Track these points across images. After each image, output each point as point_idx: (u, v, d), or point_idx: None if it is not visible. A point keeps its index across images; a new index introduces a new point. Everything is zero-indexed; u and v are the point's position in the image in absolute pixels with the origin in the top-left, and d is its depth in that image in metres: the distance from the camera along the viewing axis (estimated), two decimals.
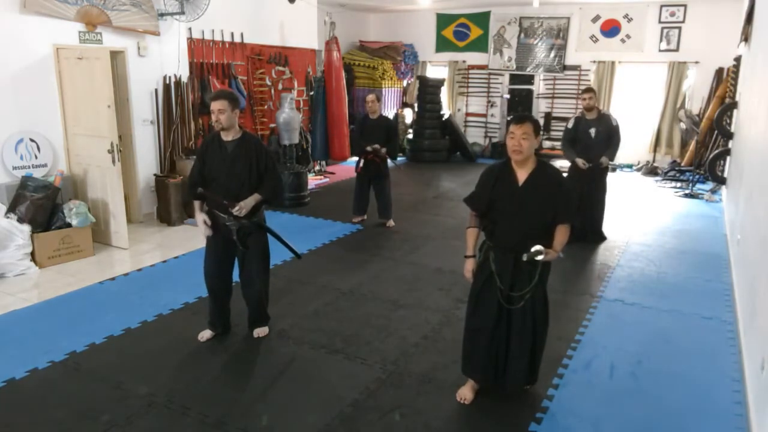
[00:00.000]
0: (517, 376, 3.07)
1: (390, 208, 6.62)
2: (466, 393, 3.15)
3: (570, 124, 5.98)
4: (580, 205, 5.83)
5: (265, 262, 3.83)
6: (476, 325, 3.10)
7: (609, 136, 5.81)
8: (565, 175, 6.01)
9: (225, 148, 3.56)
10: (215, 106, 3.46)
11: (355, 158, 6.63)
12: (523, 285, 2.94)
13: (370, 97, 6.40)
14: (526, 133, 2.83)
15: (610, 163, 5.94)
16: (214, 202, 3.58)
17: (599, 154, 5.77)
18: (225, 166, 3.53)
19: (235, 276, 3.86)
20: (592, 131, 5.79)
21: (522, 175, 2.92)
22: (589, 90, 5.86)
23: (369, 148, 6.24)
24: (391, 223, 6.63)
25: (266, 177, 3.61)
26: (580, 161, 5.79)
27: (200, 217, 3.61)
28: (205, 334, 3.82)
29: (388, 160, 6.50)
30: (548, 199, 2.91)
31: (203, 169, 3.62)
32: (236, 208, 3.49)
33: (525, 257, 2.83)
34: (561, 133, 11.09)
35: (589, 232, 6.01)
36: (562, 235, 2.95)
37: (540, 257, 2.83)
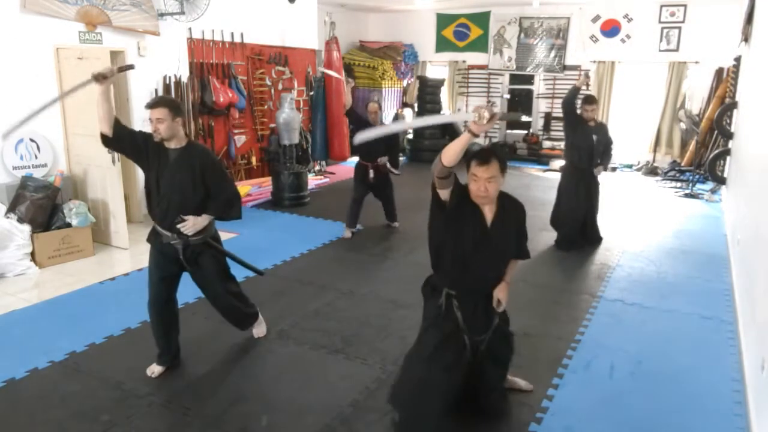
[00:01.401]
0: (497, 405, 3.00)
1: (395, 211, 6.60)
2: None
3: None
4: (575, 209, 5.82)
5: (226, 277, 3.53)
6: (429, 378, 2.65)
7: (606, 147, 5.81)
8: (558, 175, 6.06)
9: (166, 154, 3.17)
10: (153, 114, 3.07)
11: (356, 159, 6.49)
12: (484, 328, 2.78)
13: (373, 107, 6.11)
14: (493, 177, 2.48)
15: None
16: (156, 215, 3.26)
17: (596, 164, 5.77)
18: (167, 173, 3.16)
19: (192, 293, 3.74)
20: (594, 138, 5.68)
21: (488, 213, 2.63)
22: (591, 101, 5.63)
23: (381, 162, 6.04)
24: (396, 224, 6.64)
25: (215, 191, 3.25)
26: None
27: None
28: (155, 369, 3.37)
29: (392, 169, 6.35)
30: (514, 235, 2.74)
31: (137, 148, 3.19)
32: (183, 223, 3.16)
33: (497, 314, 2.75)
34: (561, 134, 11.19)
35: (588, 236, 5.98)
36: (514, 268, 2.83)
37: (502, 306, 2.76)
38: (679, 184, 9.23)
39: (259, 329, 3.86)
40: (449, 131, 11.56)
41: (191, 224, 3.18)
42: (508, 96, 11.75)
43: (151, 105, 3.13)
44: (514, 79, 11.68)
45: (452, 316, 2.71)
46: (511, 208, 2.71)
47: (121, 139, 3.21)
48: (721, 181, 8.16)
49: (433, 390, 2.62)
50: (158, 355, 3.41)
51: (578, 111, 5.68)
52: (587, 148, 5.68)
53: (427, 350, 2.69)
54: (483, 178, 2.48)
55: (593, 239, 6.03)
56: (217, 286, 3.46)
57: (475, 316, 2.73)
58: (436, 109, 11.41)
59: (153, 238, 3.32)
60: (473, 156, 2.53)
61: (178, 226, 3.17)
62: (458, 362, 2.69)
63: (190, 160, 3.18)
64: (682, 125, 10.00)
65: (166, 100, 3.21)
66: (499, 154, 2.54)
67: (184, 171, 3.17)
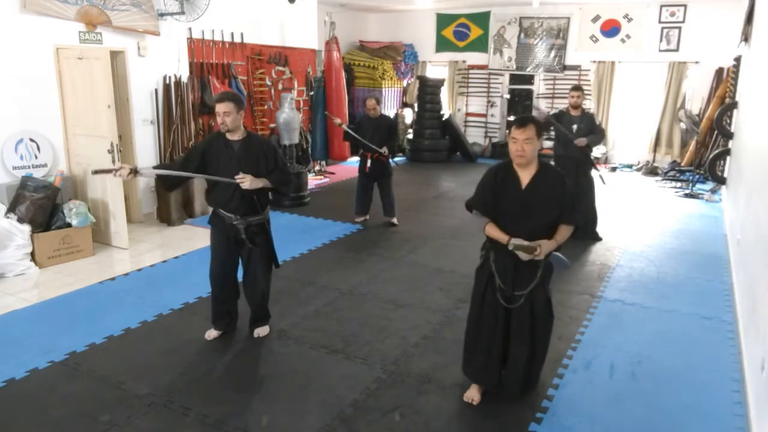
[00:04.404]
0: (512, 386, 3.08)
1: (395, 205, 6.65)
2: (473, 395, 3.13)
3: (552, 114, 6.15)
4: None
5: (270, 262, 3.83)
6: (478, 330, 3.08)
7: (591, 132, 5.90)
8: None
9: (231, 147, 3.55)
10: (221, 108, 3.44)
11: (357, 158, 6.64)
12: (525, 285, 2.94)
13: (371, 103, 6.48)
14: (529, 138, 2.79)
15: (593, 155, 6.04)
16: (220, 201, 3.59)
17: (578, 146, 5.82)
18: (232, 165, 3.49)
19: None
20: (574, 127, 5.89)
21: (525, 177, 2.89)
22: (578, 88, 5.94)
23: (383, 152, 6.28)
24: (395, 220, 6.66)
25: (274, 168, 3.61)
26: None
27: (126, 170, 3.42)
28: (212, 333, 3.84)
29: (390, 159, 6.52)
30: (552, 201, 2.89)
31: (199, 165, 3.53)
32: (240, 176, 3.42)
33: (511, 245, 2.80)
34: None
35: (580, 231, 5.92)
36: (563, 231, 2.94)
37: (534, 253, 2.79)
38: (679, 184, 9.23)
39: (262, 329, 3.89)
40: (449, 131, 11.58)
41: (249, 180, 3.45)
42: (508, 96, 11.75)
43: (218, 100, 3.49)
44: (514, 79, 11.68)
45: (488, 268, 2.99)
46: (550, 177, 2.94)
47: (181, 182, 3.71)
48: (721, 181, 8.16)
49: (484, 344, 3.05)
50: (214, 321, 3.85)
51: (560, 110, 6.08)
52: (565, 136, 5.87)
53: (476, 295, 3.08)
54: (520, 139, 2.80)
55: (584, 236, 5.91)
56: (260, 268, 3.75)
57: (506, 272, 2.94)
58: (436, 109, 11.41)
59: (215, 220, 3.68)
60: (513, 122, 2.89)
61: (236, 179, 3.43)
62: (499, 317, 3.01)
63: (253, 151, 3.56)
64: (682, 125, 10.00)
65: (231, 95, 3.57)
66: (534, 120, 2.86)
67: (250, 158, 3.53)
